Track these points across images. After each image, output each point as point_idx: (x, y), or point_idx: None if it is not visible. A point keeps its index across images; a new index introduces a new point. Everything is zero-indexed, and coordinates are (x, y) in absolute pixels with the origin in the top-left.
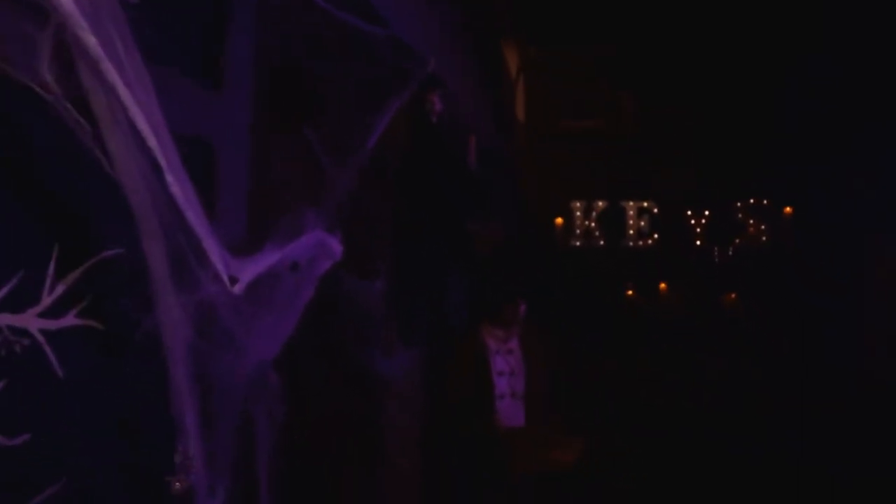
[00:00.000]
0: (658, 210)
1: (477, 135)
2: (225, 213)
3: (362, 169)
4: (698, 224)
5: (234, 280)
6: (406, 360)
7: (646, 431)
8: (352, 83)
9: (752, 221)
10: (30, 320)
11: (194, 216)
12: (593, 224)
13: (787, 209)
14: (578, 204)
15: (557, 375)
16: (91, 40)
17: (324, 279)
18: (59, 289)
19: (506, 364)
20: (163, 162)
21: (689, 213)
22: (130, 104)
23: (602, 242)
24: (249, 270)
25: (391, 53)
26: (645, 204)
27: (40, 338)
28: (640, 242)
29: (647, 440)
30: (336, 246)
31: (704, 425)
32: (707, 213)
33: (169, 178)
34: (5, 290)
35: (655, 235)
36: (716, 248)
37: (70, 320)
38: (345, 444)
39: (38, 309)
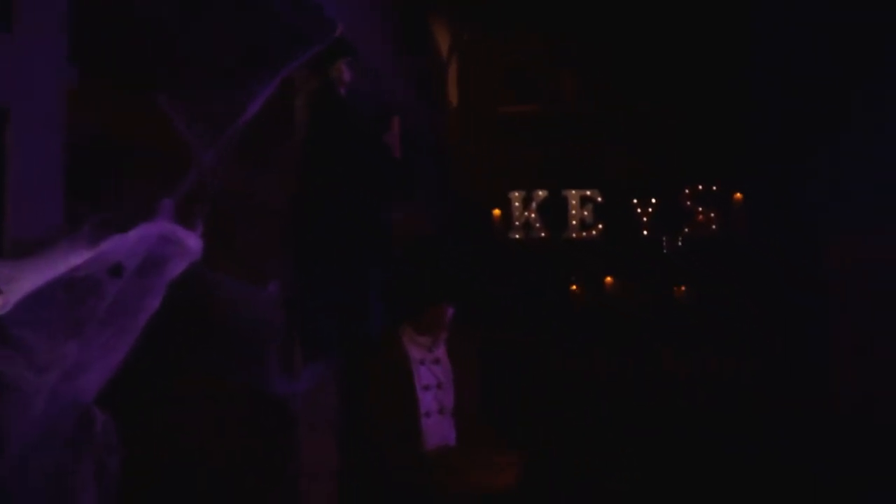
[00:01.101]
0: (602, 199)
1: (402, 117)
2: (24, 197)
3: (247, 148)
4: (645, 213)
5: None
6: (312, 377)
7: (594, 438)
8: (228, 40)
9: (701, 209)
10: None
11: None
12: (533, 215)
13: (738, 195)
14: (517, 194)
15: (491, 384)
16: None
17: (191, 284)
18: None
19: (432, 376)
20: None
21: (635, 201)
22: None
23: (543, 234)
24: (25, 281)
25: (288, 11)
26: (588, 193)
27: None
28: (584, 233)
29: (596, 447)
30: (193, 241)
31: (657, 427)
32: (654, 201)
33: None
34: None
35: (600, 226)
36: (664, 238)
37: None
38: (236, 486)
39: None
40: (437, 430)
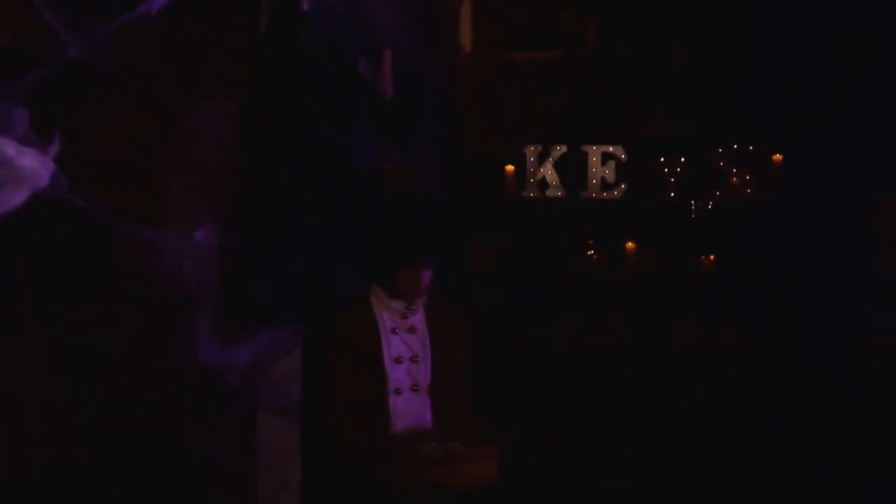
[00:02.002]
0: (625, 157)
1: (401, 55)
2: None
3: (168, 51)
4: (672, 174)
5: None
6: (259, 347)
7: (599, 426)
8: None
9: (734, 171)
10: None
11: None
12: (550, 172)
13: (776, 157)
14: (532, 149)
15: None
16: None
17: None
18: None
19: (405, 347)
20: None
21: (662, 160)
22: None
23: (560, 194)
24: None
25: None
26: (610, 149)
27: None
28: (605, 194)
29: (600, 437)
30: (31, 162)
31: (676, 411)
32: (683, 160)
33: None
34: None
35: (622, 186)
36: (692, 202)
37: None
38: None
39: None
40: (409, 409)
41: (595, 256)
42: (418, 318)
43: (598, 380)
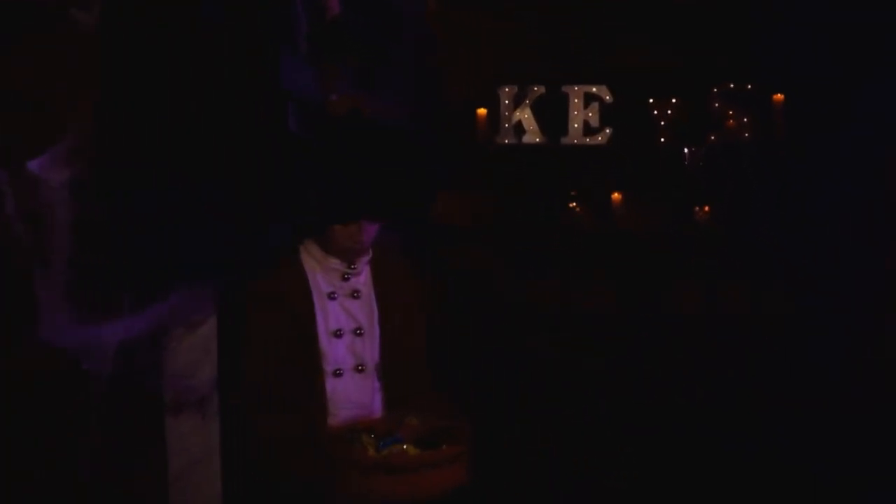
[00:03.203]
0: (610, 97)
1: None
2: None
3: None
4: (663, 116)
5: None
6: (149, 321)
7: (584, 409)
8: None
9: (731, 113)
10: None
11: None
12: (527, 115)
13: (778, 96)
14: (508, 89)
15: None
16: None
17: None
18: None
19: (346, 317)
20: None
21: (652, 101)
22: None
23: (538, 140)
24: None
25: None
26: (594, 89)
27: None
28: (588, 140)
29: (586, 422)
30: None
31: (671, 386)
32: (674, 101)
33: None
34: None
35: (607, 131)
36: (685, 148)
37: None
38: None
39: None
40: (352, 395)
41: (578, 209)
42: (363, 280)
43: (583, 349)
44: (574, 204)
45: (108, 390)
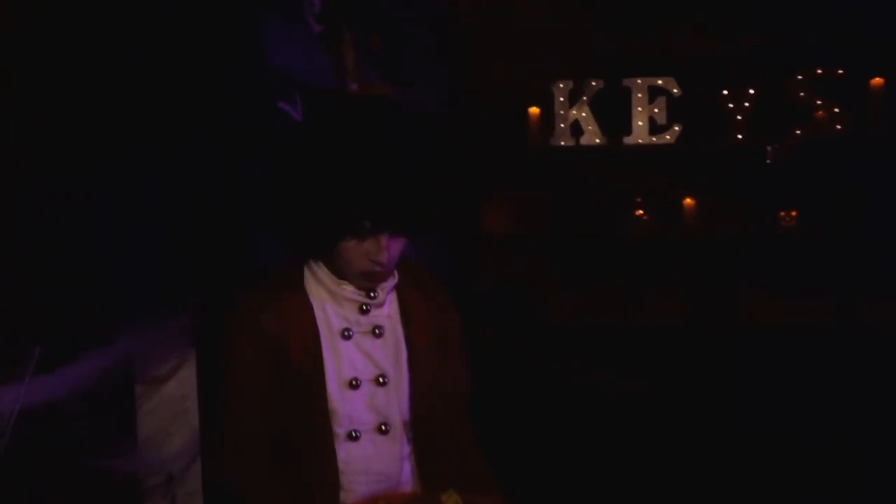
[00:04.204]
0: (679, 90)
1: None
2: None
3: None
4: (739, 109)
5: None
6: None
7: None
8: None
9: (820, 102)
10: None
11: None
12: (584, 114)
13: (876, 81)
14: (562, 85)
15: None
16: None
17: None
18: None
19: (364, 361)
20: None
21: (726, 92)
22: None
23: (597, 140)
24: None
25: None
26: (659, 82)
27: None
28: (654, 139)
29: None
30: None
31: (747, 408)
32: (752, 91)
33: None
34: None
35: (676, 128)
36: (767, 145)
37: None
38: None
39: None
40: (373, 464)
41: (644, 217)
42: (386, 312)
43: (647, 369)
44: (640, 211)
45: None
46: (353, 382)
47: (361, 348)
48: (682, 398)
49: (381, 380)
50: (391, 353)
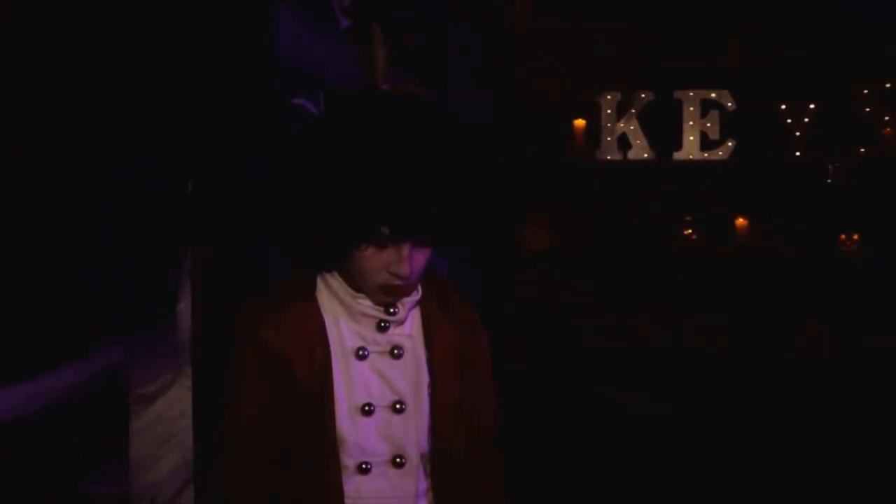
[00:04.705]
0: (733, 103)
1: None
2: None
3: None
4: (798, 124)
5: None
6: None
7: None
8: None
9: (886, 118)
10: None
11: None
12: (633, 127)
13: None
14: (610, 97)
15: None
16: None
17: None
18: None
19: (380, 384)
20: None
21: (784, 106)
22: None
23: (646, 155)
24: None
25: None
26: (712, 95)
27: None
28: (706, 155)
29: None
30: None
31: (801, 441)
32: (812, 106)
33: None
34: None
35: (729, 144)
36: (829, 163)
37: None
38: None
39: None
40: (386, 500)
41: (693, 236)
42: (407, 331)
43: (696, 396)
44: (689, 230)
45: None
46: (367, 408)
47: (377, 370)
48: (715, 428)
49: (397, 406)
50: (411, 376)
